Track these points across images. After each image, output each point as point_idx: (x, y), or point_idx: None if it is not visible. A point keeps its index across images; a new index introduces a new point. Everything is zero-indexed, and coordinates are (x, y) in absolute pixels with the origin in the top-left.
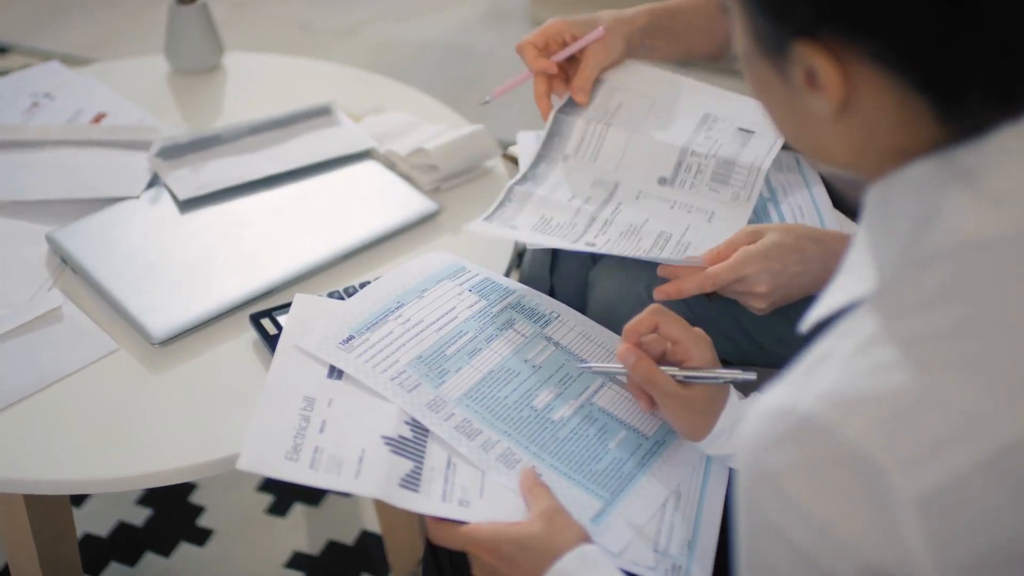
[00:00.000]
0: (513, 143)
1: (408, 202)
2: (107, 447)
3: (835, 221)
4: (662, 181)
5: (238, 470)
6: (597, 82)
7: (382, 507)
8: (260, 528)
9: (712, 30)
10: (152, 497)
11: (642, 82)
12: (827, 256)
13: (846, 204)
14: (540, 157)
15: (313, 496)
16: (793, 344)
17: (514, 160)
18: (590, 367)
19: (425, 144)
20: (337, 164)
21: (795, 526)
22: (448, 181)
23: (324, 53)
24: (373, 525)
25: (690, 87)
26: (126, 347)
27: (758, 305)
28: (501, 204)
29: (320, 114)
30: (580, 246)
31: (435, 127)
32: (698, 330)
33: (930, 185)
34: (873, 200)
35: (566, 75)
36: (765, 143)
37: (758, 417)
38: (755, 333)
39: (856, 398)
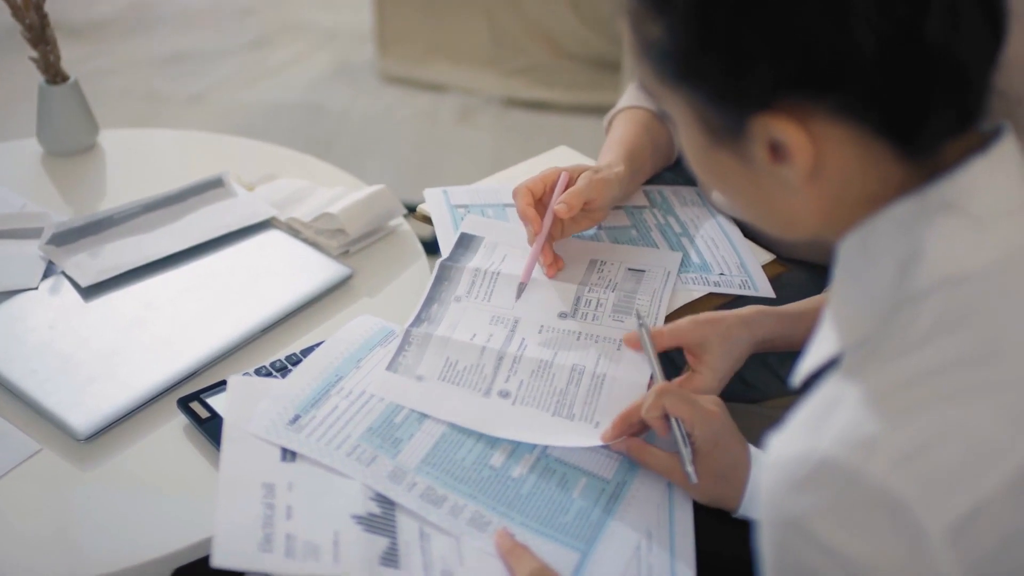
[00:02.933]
0: (417, 202)
1: (319, 269)
2: (41, 553)
3: (748, 250)
4: (563, 315)
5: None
6: (476, 241)
7: None
8: None
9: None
10: None
11: (521, 237)
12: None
13: (751, 231)
14: (430, 299)
15: None
16: (774, 382)
17: (427, 219)
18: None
19: (329, 208)
20: (239, 236)
21: (829, 567)
22: (356, 244)
23: (176, 122)
24: None
25: (570, 241)
26: (50, 447)
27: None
28: (401, 349)
29: (213, 186)
30: (493, 401)
31: (333, 190)
32: (708, 401)
33: (912, 223)
34: (850, 249)
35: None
36: (658, 278)
37: (776, 465)
38: (744, 372)
39: (874, 437)
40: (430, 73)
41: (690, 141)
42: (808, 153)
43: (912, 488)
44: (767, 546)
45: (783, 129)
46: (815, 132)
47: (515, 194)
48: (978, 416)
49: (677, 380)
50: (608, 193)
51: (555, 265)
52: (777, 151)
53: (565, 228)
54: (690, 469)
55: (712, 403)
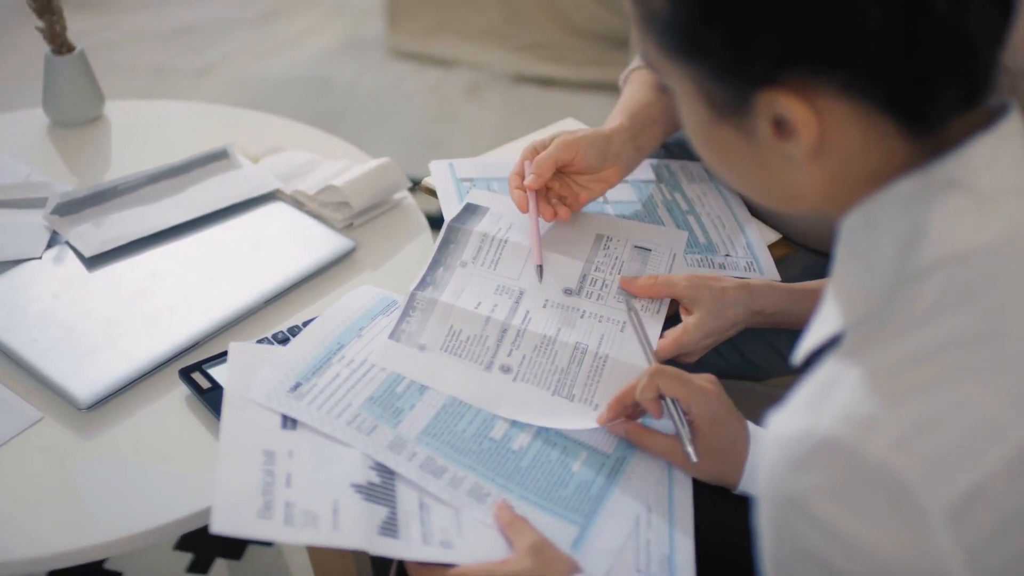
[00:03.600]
0: (421, 176)
1: (323, 241)
2: (41, 521)
3: (755, 231)
4: (568, 292)
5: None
6: (482, 210)
7: (316, 554)
8: None
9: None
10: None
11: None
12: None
13: (758, 209)
14: (436, 262)
15: (235, 550)
16: (776, 360)
17: (432, 192)
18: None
19: (334, 181)
20: (243, 208)
21: (828, 547)
22: (360, 217)
23: (184, 94)
24: (300, 574)
25: (575, 214)
26: (52, 415)
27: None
28: (405, 314)
29: (218, 158)
30: (494, 376)
31: (339, 163)
32: (700, 382)
33: (915, 200)
34: (852, 226)
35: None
36: (664, 259)
37: (776, 443)
38: (745, 350)
39: (874, 416)
40: (439, 48)
41: (692, 116)
42: (813, 130)
43: (912, 468)
44: (766, 524)
45: (788, 105)
46: (820, 108)
47: (508, 181)
48: (979, 396)
49: (668, 332)
50: (584, 148)
51: (563, 213)
52: (781, 127)
53: (579, 195)
54: (690, 449)
55: (707, 381)
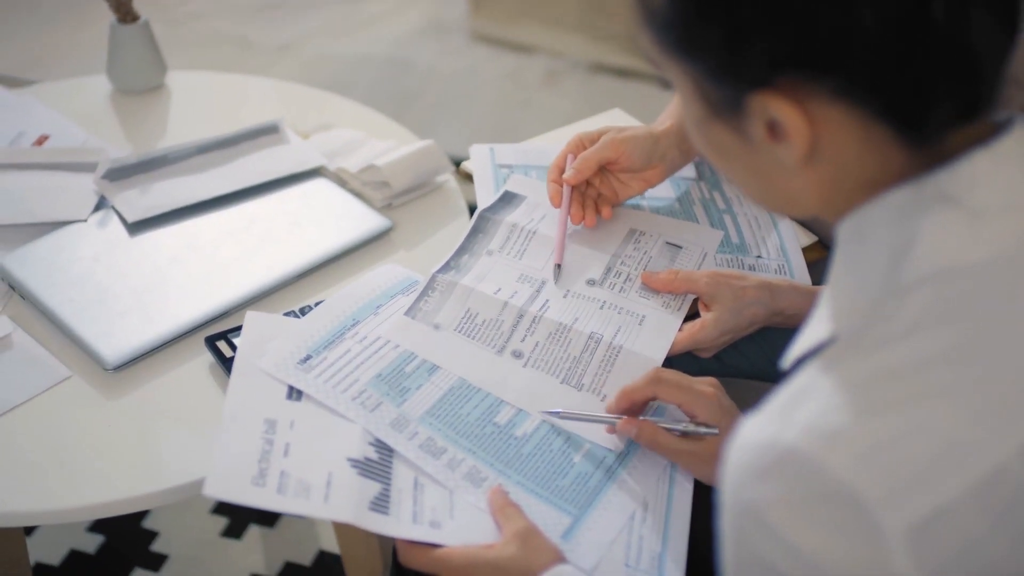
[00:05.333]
0: (464, 158)
1: (361, 219)
2: (63, 476)
3: (791, 232)
4: (591, 282)
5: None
6: (518, 199)
7: (340, 527)
8: (215, 552)
9: None
10: (104, 524)
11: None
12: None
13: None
14: (463, 249)
15: (268, 518)
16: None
17: (469, 176)
18: (568, 417)
19: (376, 161)
20: (287, 182)
21: (784, 559)
22: (400, 197)
23: (262, 69)
24: (330, 545)
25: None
26: (79, 374)
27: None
28: (424, 294)
29: (268, 132)
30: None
31: (385, 143)
32: (700, 387)
33: (908, 212)
34: (846, 233)
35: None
36: (694, 257)
37: (741, 449)
38: (745, 350)
39: (839, 431)
40: (520, 33)
41: (690, 113)
42: (805, 135)
43: (873, 485)
44: (726, 531)
45: (780, 108)
46: (814, 113)
47: (548, 173)
48: (948, 416)
49: (685, 326)
50: (629, 148)
51: (590, 219)
52: (775, 130)
53: (619, 191)
54: (703, 429)
55: (707, 384)
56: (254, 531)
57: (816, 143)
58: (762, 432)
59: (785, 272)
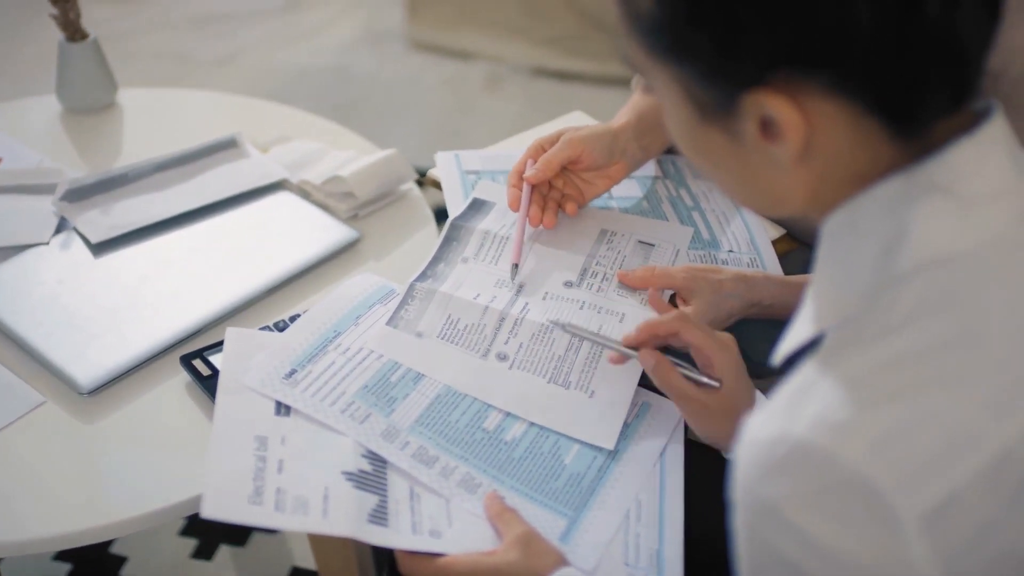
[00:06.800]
0: (417, 166)
1: (327, 231)
2: (42, 503)
3: (759, 226)
4: (568, 284)
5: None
6: (488, 206)
7: (315, 540)
8: (186, 574)
9: None
10: (71, 551)
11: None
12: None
13: None
14: (438, 258)
15: (238, 537)
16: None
17: (437, 184)
18: (582, 333)
19: (339, 171)
20: (250, 197)
21: (802, 553)
22: (365, 208)
23: (202, 83)
24: (303, 561)
25: (581, 209)
26: (53, 399)
27: None
28: (403, 303)
29: (226, 147)
30: (490, 364)
31: (345, 154)
32: (723, 335)
33: (898, 203)
34: (835, 227)
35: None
36: (667, 254)
37: (750, 447)
38: (747, 349)
39: (850, 422)
40: (459, 40)
41: (677, 117)
42: (800, 131)
43: (887, 474)
44: (740, 529)
45: (776, 106)
46: (807, 109)
47: (508, 178)
48: (955, 402)
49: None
50: (592, 145)
51: (549, 220)
52: (768, 128)
53: (584, 191)
54: (705, 379)
55: (727, 337)
56: (224, 551)
57: (809, 139)
58: (770, 428)
59: (757, 265)
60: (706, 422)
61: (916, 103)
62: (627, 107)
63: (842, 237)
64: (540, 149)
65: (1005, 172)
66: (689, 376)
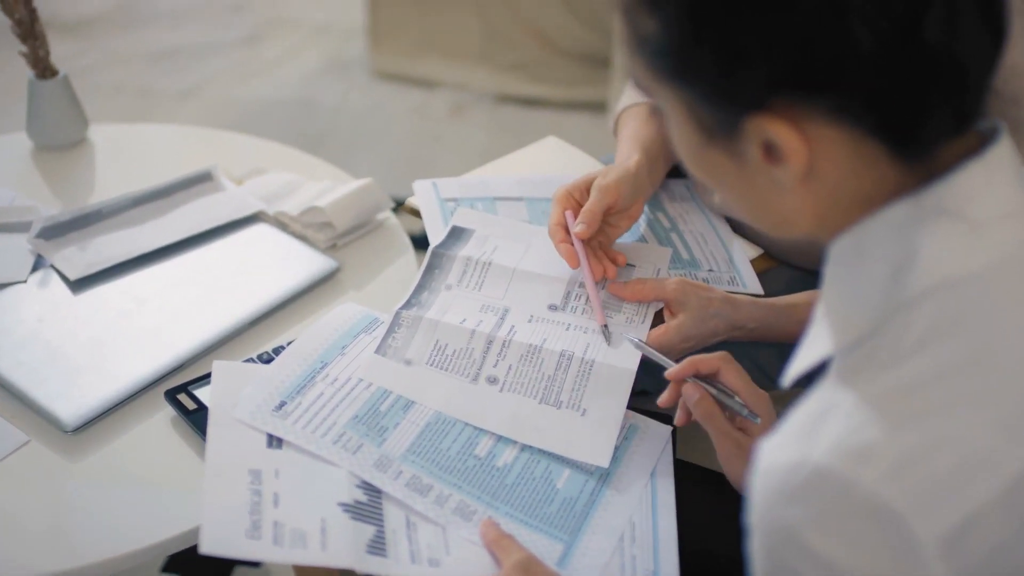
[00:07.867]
0: (405, 196)
1: (307, 262)
2: (29, 544)
3: (737, 246)
4: (552, 308)
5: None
6: (467, 233)
7: (302, 573)
8: None
9: None
10: None
11: (512, 231)
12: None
13: (739, 226)
14: (421, 287)
15: (221, 572)
16: (758, 376)
17: (416, 212)
18: (650, 353)
19: (316, 202)
20: (227, 230)
21: None
22: (343, 238)
23: (168, 116)
24: None
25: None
26: (37, 438)
27: None
28: (390, 331)
29: (201, 180)
30: (480, 388)
31: (321, 184)
32: (756, 388)
33: (906, 227)
34: (842, 251)
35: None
36: (648, 275)
37: (768, 473)
38: (769, 370)
39: (867, 447)
40: (422, 68)
41: (683, 138)
42: (802, 156)
43: (905, 498)
44: (758, 553)
45: (777, 131)
46: (809, 133)
47: (551, 235)
48: (971, 426)
49: (650, 331)
50: (623, 189)
51: (611, 271)
52: (771, 152)
53: (610, 234)
54: (748, 410)
55: (763, 393)
56: None
57: (812, 163)
58: (788, 453)
59: (737, 283)
60: (737, 463)
61: (918, 127)
62: (629, 143)
63: (850, 260)
64: (570, 197)
65: (1013, 194)
66: (729, 405)
